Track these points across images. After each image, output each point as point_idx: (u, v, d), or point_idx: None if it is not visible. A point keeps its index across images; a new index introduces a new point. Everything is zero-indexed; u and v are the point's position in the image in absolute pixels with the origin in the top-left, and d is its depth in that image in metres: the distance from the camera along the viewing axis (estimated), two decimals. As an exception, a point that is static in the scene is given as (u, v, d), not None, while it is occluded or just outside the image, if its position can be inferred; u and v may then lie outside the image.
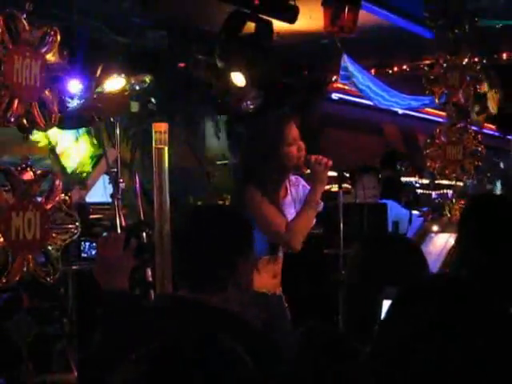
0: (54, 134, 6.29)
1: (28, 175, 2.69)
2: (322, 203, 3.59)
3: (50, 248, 2.73)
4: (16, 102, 2.58)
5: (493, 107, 8.45)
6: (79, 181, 6.52)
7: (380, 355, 1.30)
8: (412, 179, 10.72)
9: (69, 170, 6.57)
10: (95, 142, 6.71)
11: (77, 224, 2.87)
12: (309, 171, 3.52)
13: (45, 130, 2.92)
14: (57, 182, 2.78)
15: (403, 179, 11.41)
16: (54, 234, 2.77)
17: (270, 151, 3.39)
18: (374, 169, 6.08)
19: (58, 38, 2.85)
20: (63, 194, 2.79)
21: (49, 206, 2.75)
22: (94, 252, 5.05)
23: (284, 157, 3.41)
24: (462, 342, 1.22)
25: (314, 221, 3.60)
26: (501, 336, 1.22)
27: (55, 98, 2.81)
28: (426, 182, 9.90)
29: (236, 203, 3.56)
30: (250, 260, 2.22)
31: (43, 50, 2.79)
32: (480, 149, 5.09)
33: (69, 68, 2.94)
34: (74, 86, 5.76)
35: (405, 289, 1.35)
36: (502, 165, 12.93)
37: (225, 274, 2.14)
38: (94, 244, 5.03)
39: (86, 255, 5.22)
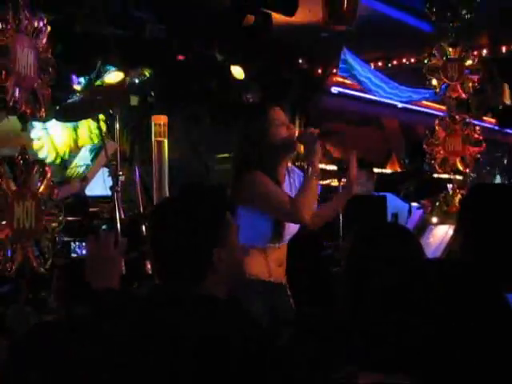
0: (53, 126, 6.27)
1: (26, 165, 2.68)
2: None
3: (42, 237, 2.74)
4: (17, 90, 2.59)
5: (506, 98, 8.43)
6: (78, 174, 6.50)
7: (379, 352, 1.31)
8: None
9: (67, 163, 6.55)
10: (94, 135, 6.69)
11: (62, 213, 2.89)
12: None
13: (38, 121, 2.92)
14: (47, 171, 2.79)
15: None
16: (44, 223, 2.77)
17: (260, 135, 3.49)
18: (366, 165, 6.01)
19: (49, 29, 2.85)
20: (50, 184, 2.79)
21: (41, 195, 2.75)
22: (84, 252, 5.01)
23: (275, 138, 3.49)
24: (459, 323, 1.24)
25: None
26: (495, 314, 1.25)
27: (44, 90, 2.81)
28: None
29: (235, 193, 3.58)
30: (227, 244, 2.14)
31: (37, 40, 2.80)
32: (480, 141, 5.08)
33: (54, 60, 2.92)
34: (73, 78, 5.75)
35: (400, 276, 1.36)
36: (505, 161, 12.85)
37: (200, 264, 2.09)
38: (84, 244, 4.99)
39: (75, 255, 5.17)
